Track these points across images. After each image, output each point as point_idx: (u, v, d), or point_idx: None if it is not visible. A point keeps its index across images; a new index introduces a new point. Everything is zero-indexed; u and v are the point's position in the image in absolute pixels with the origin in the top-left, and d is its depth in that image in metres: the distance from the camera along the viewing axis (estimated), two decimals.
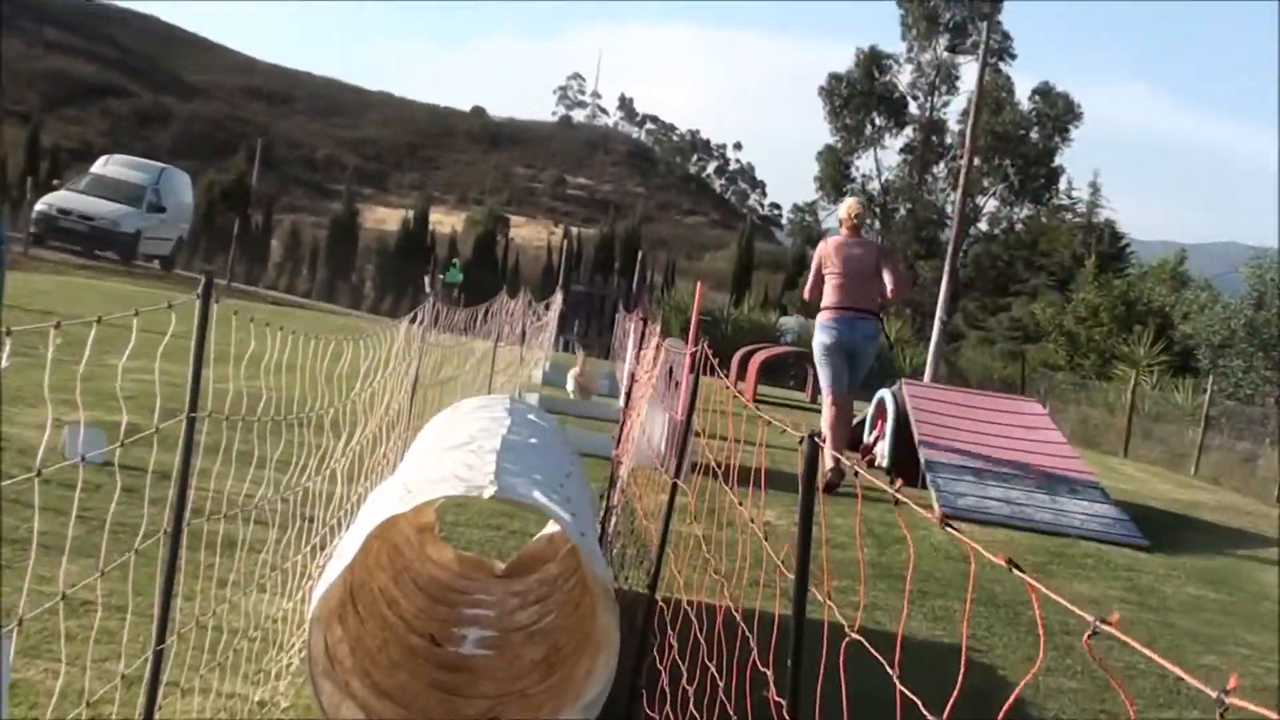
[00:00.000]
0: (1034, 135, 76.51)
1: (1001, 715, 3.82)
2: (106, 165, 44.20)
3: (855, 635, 2.69)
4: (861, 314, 12.98)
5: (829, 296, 13.01)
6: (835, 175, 79.77)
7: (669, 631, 4.79)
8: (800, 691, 3.20)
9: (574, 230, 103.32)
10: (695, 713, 4.16)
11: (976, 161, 62.64)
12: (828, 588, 2.97)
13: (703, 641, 4.27)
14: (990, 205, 79.80)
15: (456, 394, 11.19)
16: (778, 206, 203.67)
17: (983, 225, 79.99)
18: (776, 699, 3.23)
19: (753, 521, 3.81)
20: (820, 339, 13.14)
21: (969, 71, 76.42)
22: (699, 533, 5.36)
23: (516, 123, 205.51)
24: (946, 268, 26.82)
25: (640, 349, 10.53)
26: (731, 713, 3.87)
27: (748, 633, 3.63)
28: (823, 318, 13.13)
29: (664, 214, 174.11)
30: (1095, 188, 74.51)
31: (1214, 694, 1.64)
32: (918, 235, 78.64)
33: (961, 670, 2.51)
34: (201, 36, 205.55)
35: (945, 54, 77.90)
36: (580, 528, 4.95)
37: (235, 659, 5.08)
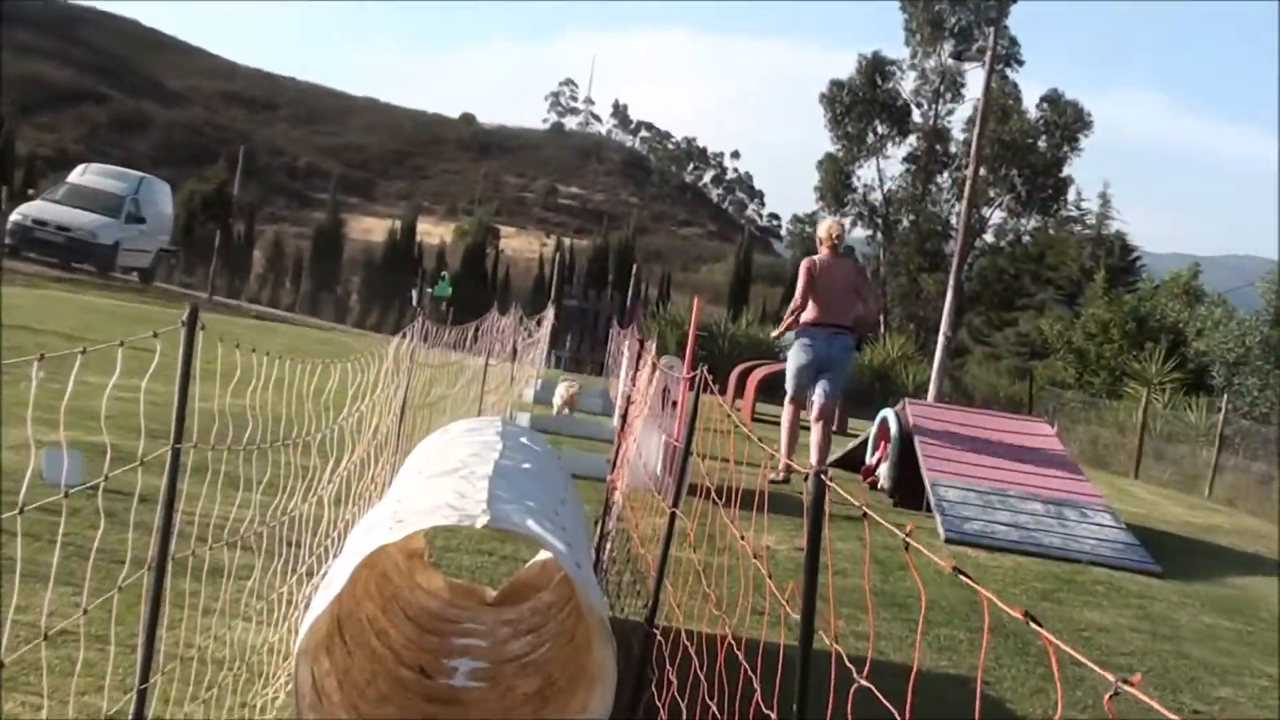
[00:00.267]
0: (1042, 144, 76.50)
1: None
2: (83, 174, 44.17)
3: (864, 682, 2.70)
4: (838, 330, 14.23)
5: (809, 313, 14.25)
6: (836, 185, 79.62)
7: (668, 667, 4.80)
8: None
9: (566, 242, 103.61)
10: None
11: (982, 171, 62.76)
12: (834, 630, 2.99)
13: (703, 679, 4.28)
14: (996, 216, 79.84)
15: (446, 414, 11.21)
16: (776, 217, 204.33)
17: (988, 237, 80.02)
18: None
19: (756, 558, 3.82)
20: (797, 353, 14.40)
21: (975, 78, 76.50)
22: (698, 560, 5.37)
23: (507, 130, 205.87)
24: (951, 281, 26.95)
25: (636, 371, 10.55)
26: None
27: (751, 672, 3.64)
28: (803, 333, 14.35)
29: (659, 225, 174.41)
30: (1105, 198, 74.44)
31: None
32: (921, 247, 78.66)
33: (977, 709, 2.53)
34: (181, 40, 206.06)
35: (950, 60, 77.81)
36: (576, 558, 4.96)
37: (220, 694, 5.09)
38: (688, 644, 4.73)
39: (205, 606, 5.34)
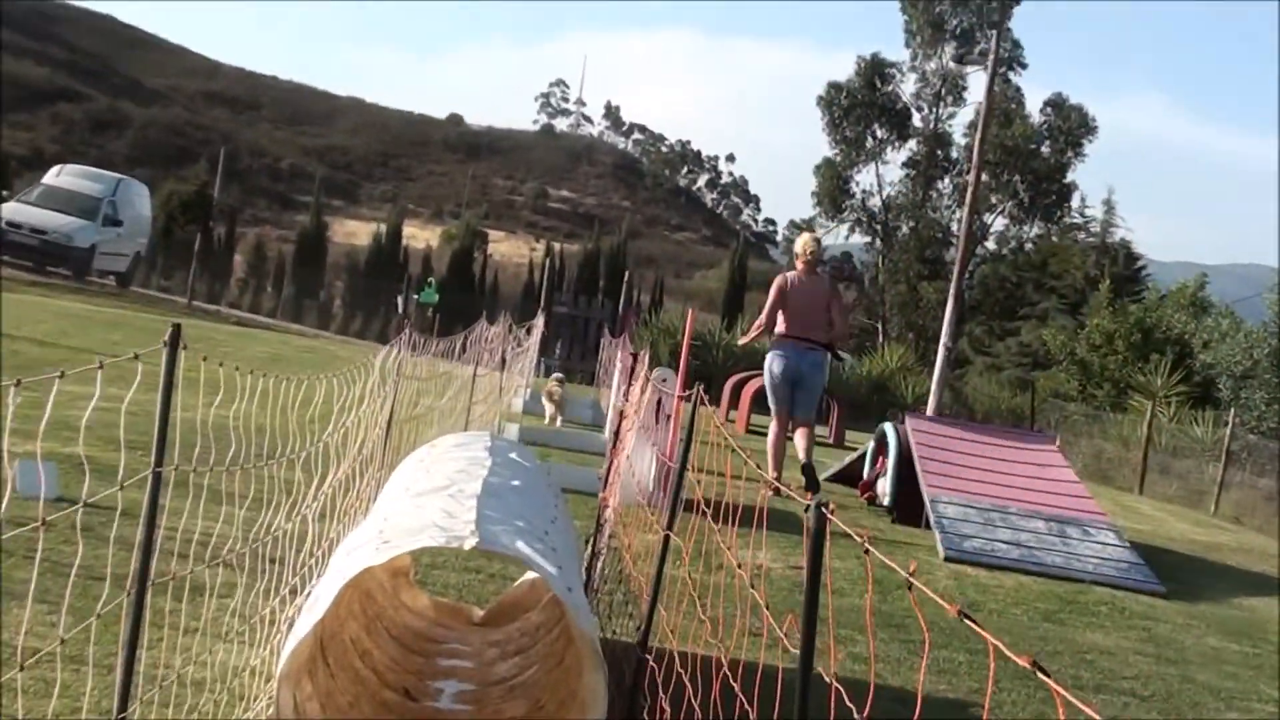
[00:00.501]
0: (1045, 150, 76.37)
1: None
2: (59, 175, 44.15)
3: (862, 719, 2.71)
4: (810, 345, 14.74)
5: (781, 327, 14.80)
6: (834, 190, 79.39)
7: (660, 695, 4.80)
8: None
9: (556, 246, 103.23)
10: None
11: (984, 177, 62.78)
12: (834, 662, 3.00)
13: (697, 707, 4.28)
14: (998, 224, 79.72)
15: (434, 424, 11.21)
16: (772, 223, 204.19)
17: (990, 245, 79.92)
18: None
19: (753, 588, 3.82)
20: (770, 366, 14.94)
21: (976, 82, 76.66)
22: (691, 579, 5.37)
23: (495, 131, 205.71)
24: (951, 290, 26.83)
25: (628, 386, 10.56)
26: None
27: (747, 704, 3.64)
28: (775, 347, 14.93)
29: (652, 230, 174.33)
30: (1110, 205, 74.13)
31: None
32: (921, 255, 78.55)
33: None
34: (161, 38, 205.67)
35: (951, 64, 77.82)
36: (566, 581, 4.97)
37: (200, 718, 5.08)
38: (681, 670, 4.73)
39: (185, 626, 5.34)
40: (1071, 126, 75.86)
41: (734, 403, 24.61)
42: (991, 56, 29.76)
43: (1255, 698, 9.09)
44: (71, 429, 9.20)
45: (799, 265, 15.04)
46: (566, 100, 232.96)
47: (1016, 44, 78.06)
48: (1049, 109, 77.13)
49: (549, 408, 19.65)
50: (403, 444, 9.06)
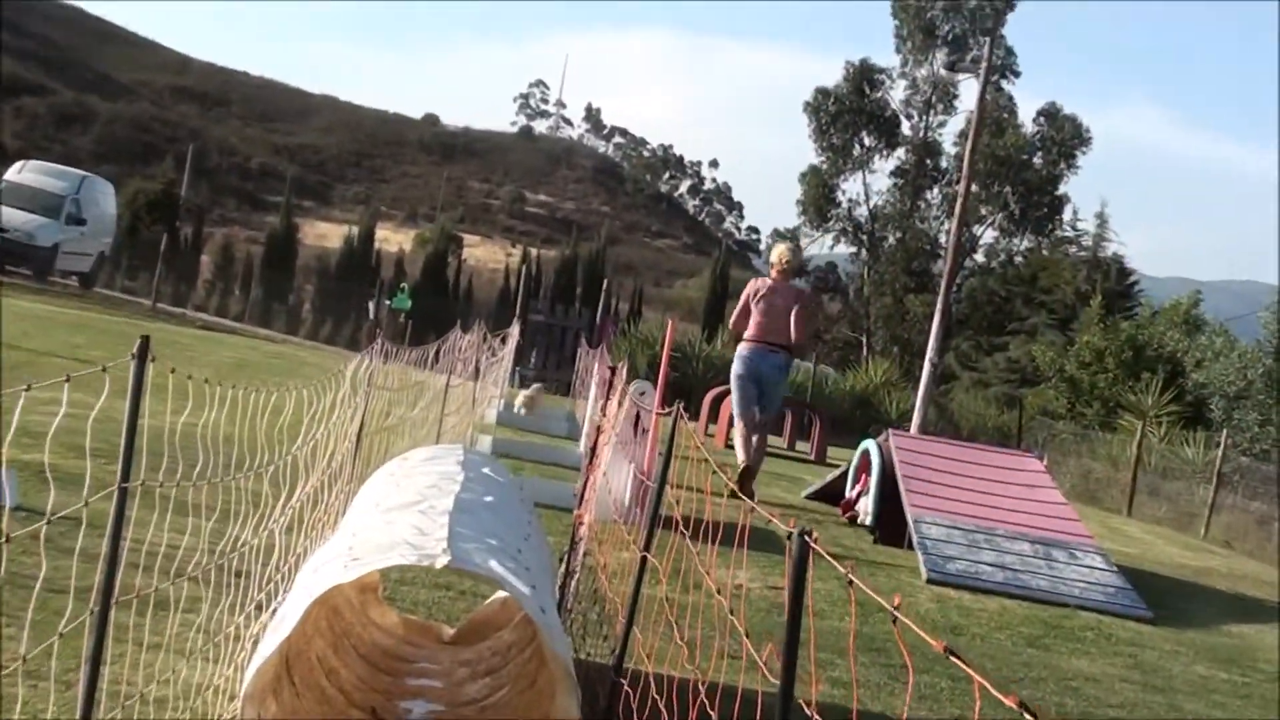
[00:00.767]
0: (1037, 160, 76.41)
1: None
2: (21, 172, 43.95)
3: None
4: (773, 348, 15.31)
5: (750, 330, 15.41)
6: (819, 199, 79.30)
7: None
8: None
9: (533, 252, 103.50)
10: None
11: (974, 188, 62.87)
12: (815, 690, 3.02)
13: None
14: (988, 236, 79.81)
15: (405, 436, 11.20)
16: (756, 230, 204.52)
17: (979, 257, 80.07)
18: None
19: (733, 614, 3.84)
20: (735, 369, 15.57)
21: (968, 89, 76.67)
22: (668, 599, 5.38)
23: (472, 132, 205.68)
24: (939, 303, 26.90)
25: (606, 401, 10.58)
26: None
27: None
28: (740, 349, 15.55)
29: (632, 236, 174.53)
30: (1103, 219, 74.27)
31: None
32: (908, 267, 78.61)
33: None
34: (129, 30, 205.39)
35: (943, 71, 77.93)
36: (540, 602, 4.99)
37: None
38: (657, 695, 4.75)
39: (148, 642, 5.34)
40: (1065, 137, 75.91)
41: (713, 416, 24.63)
42: (984, 64, 29.92)
43: None
44: (31, 435, 9.21)
45: (774, 273, 15.82)
46: (546, 102, 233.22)
47: (1010, 51, 78.20)
48: (1042, 119, 77.18)
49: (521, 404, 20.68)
50: (373, 456, 9.07)
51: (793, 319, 15.34)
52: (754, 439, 15.25)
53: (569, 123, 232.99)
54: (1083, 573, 13.02)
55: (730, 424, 23.57)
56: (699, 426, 23.84)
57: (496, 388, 23.31)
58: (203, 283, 76.05)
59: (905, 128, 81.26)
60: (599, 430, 9.46)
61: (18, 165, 45.26)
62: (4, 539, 3.56)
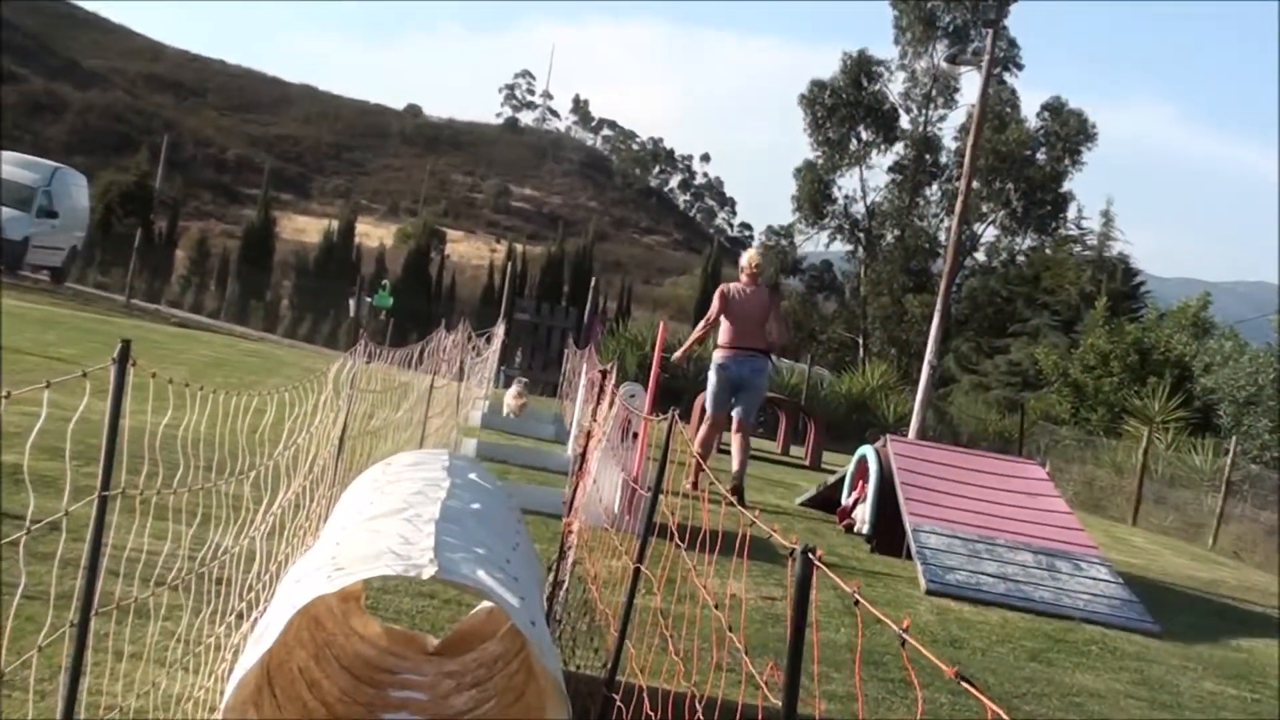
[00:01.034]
0: (1041, 156, 76.26)
1: None
2: None
3: None
4: (751, 353, 16.04)
5: (724, 336, 16.16)
6: (815, 195, 79.10)
7: None
8: None
9: (518, 248, 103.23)
10: None
11: (975, 184, 62.91)
12: (818, 711, 3.04)
13: None
14: (989, 234, 79.67)
15: (388, 439, 11.20)
16: (748, 227, 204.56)
17: (980, 256, 79.96)
18: None
19: (731, 630, 3.85)
20: (714, 373, 16.34)
21: (969, 83, 76.57)
22: (662, 612, 5.39)
23: (456, 124, 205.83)
24: (938, 303, 26.99)
25: (596, 405, 10.59)
26: None
27: None
28: (718, 355, 16.30)
29: (620, 232, 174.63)
30: (1108, 217, 73.93)
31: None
32: (906, 265, 78.55)
33: None
34: (101, 17, 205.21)
35: (943, 63, 77.78)
36: (529, 614, 4.99)
37: None
38: (651, 711, 4.75)
39: (126, 652, 5.34)
40: (1069, 132, 75.73)
41: (703, 420, 24.62)
42: (986, 56, 29.95)
43: None
44: (5, 436, 9.20)
45: (744, 278, 16.47)
46: (532, 93, 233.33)
47: (1013, 43, 78.14)
48: (1046, 113, 76.99)
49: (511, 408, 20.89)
50: (355, 460, 9.06)
51: (773, 322, 16.19)
52: (737, 440, 16.05)
53: (556, 114, 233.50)
54: (1087, 584, 13.02)
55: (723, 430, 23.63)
56: (690, 430, 23.84)
57: (481, 389, 23.32)
58: (177, 278, 75.91)
59: (904, 122, 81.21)
60: (588, 435, 9.46)
61: None
62: None
